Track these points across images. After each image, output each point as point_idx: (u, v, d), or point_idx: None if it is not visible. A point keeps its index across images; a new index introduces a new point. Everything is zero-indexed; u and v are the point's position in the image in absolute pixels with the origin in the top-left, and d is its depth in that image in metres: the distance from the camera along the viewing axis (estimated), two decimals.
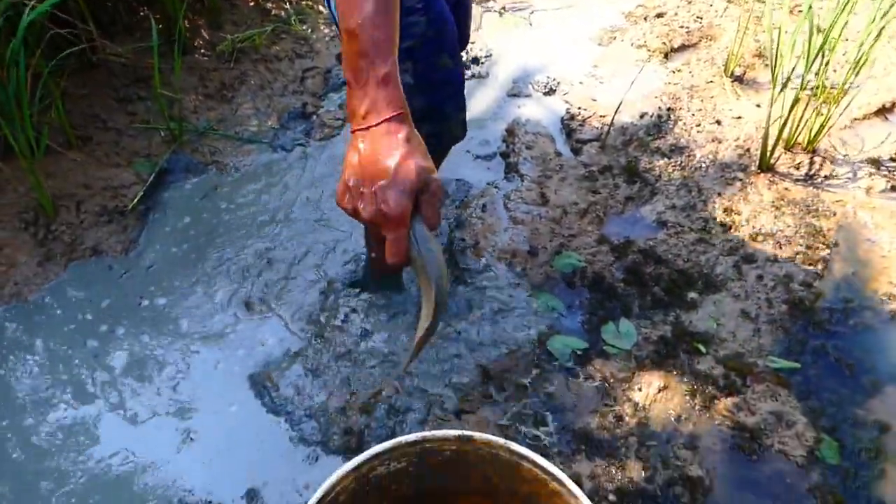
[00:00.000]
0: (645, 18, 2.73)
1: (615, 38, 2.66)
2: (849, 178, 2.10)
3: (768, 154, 2.07)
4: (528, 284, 1.79)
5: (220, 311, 1.70)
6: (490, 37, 2.69)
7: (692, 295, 1.77)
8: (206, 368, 1.59)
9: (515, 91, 2.42)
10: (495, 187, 2.04)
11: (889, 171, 2.10)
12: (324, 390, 1.55)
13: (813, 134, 2.11)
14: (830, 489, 1.42)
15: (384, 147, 0.83)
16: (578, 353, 1.65)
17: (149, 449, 1.45)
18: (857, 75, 2.03)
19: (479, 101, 2.37)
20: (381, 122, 0.83)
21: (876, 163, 2.13)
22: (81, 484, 1.39)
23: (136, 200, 1.88)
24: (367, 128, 0.84)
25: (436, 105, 1.23)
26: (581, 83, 2.43)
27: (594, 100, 2.35)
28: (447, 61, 1.23)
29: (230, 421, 1.50)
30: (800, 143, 2.15)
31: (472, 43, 2.63)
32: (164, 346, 1.63)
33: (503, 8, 2.86)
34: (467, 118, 1.36)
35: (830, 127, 2.10)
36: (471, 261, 1.83)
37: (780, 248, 1.91)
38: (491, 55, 2.58)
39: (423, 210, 0.86)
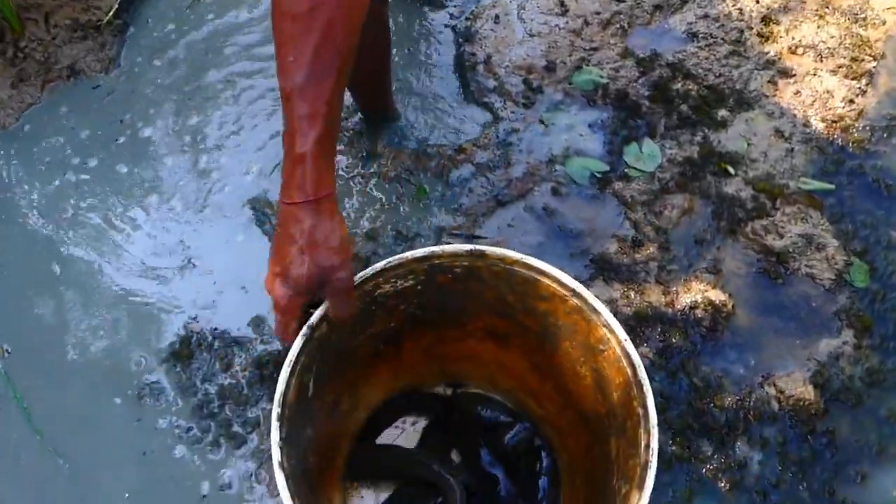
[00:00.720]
0: None
1: None
2: None
3: None
4: (545, 102, 1.64)
5: (214, 133, 1.58)
6: None
7: (722, 113, 1.63)
8: (200, 197, 1.50)
9: None
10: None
11: None
12: None
13: None
14: (857, 312, 1.37)
15: (285, 235, 0.77)
16: (598, 175, 1.54)
17: (149, 282, 1.40)
18: None
19: None
20: (290, 203, 0.76)
21: None
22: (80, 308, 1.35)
23: (111, 13, 1.69)
24: (282, 202, 0.77)
25: None
26: None
27: None
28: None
29: (232, 249, 1.43)
30: None
31: None
32: (153, 179, 1.53)
33: None
34: None
35: None
36: (482, 77, 1.67)
37: (822, 60, 1.73)
38: None
39: (329, 303, 0.83)
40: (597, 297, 1.35)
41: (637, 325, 1.35)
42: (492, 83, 1.66)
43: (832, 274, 1.41)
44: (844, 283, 1.41)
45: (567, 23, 1.77)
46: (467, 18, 1.79)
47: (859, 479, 1.21)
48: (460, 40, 1.74)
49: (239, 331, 1.34)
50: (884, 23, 1.81)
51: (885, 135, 1.63)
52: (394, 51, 1.65)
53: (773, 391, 1.29)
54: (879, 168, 1.57)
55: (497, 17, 1.77)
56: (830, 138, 1.61)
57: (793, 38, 1.77)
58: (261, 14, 1.77)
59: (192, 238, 1.45)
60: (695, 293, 1.38)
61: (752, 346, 1.34)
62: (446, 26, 1.77)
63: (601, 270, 1.42)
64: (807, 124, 1.63)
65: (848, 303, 1.38)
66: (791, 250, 1.43)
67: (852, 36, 1.78)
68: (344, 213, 1.47)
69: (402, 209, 1.47)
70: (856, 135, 1.62)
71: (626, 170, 1.55)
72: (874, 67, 1.72)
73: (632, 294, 1.39)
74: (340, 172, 1.51)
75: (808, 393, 1.28)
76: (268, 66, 1.67)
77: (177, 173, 1.53)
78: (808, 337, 1.36)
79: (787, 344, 1.35)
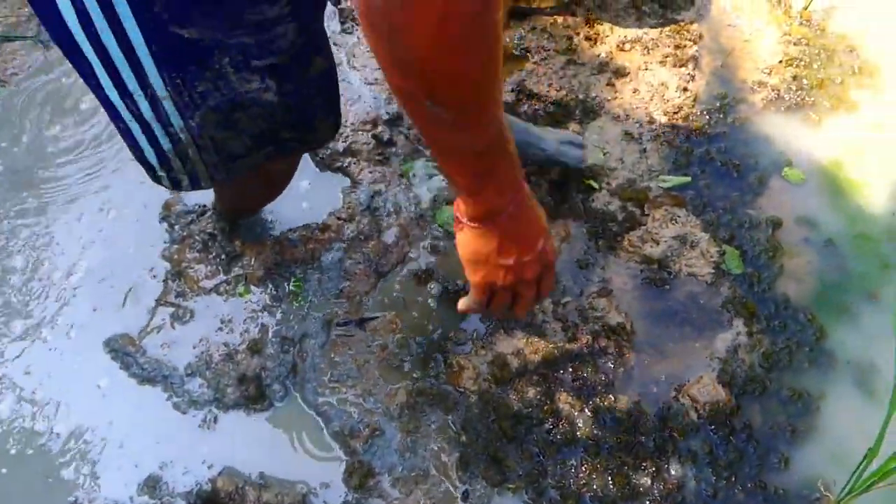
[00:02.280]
0: None
1: None
2: None
3: None
4: (401, 153, 1.58)
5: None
6: None
7: (574, 128, 1.64)
8: (58, 345, 1.31)
9: None
10: (335, 45, 1.73)
11: None
12: (199, 338, 1.32)
13: None
14: (741, 300, 1.43)
15: (528, 226, 0.85)
16: None
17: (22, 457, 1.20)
18: None
19: None
20: (512, 204, 0.80)
21: None
22: None
23: None
24: (500, 213, 0.80)
25: (308, 118, 0.95)
26: None
27: None
28: (320, 63, 0.91)
29: (101, 402, 1.26)
30: None
31: None
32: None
33: None
34: None
35: None
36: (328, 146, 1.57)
37: (649, 52, 1.78)
38: None
39: (541, 284, 0.91)
40: (503, 353, 1.33)
41: (548, 370, 1.33)
42: (340, 145, 1.57)
43: (710, 268, 1.46)
44: (723, 273, 1.47)
45: None
46: None
47: (783, 465, 1.27)
48: None
49: None
50: (692, 3, 1.89)
51: (720, 115, 1.70)
52: None
53: (688, 401, 1.32)
54: (724, 150, 1.65)
55: None
56: (675, 130, 1.67)
57: (617, 35, 1.81)
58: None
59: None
60: (593, 322, 1.38)
61: (658, 360, 1.37)
62: None
63: (500, 321, 1.38)
64: (651, 121, 1.67)
65: (730, 293, 1.44)
66: (669, 254, 1.47)
67: (669, 23, 1.84)
68: (217, 329, 1.34)
69: (280, 310, 1.36)
70: (696, 122, 1.68)
71: None
72: (696, 51, 1.79)
73: (535, 339, 1.37)
74: (202, 284, 1.37)
75: (720, 393, 1.32)
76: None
77: None
78: (704, 337, 1.40)
79: (689, 349, 1.38)
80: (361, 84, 1.66)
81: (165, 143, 0.88)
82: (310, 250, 1.42)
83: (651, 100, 1.70)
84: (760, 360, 1.37)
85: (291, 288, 1.37)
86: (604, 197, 1.54)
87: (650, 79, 1.73)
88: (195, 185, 0.96)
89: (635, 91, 1.71)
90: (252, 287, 1.37)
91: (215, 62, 0.79)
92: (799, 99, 1.73)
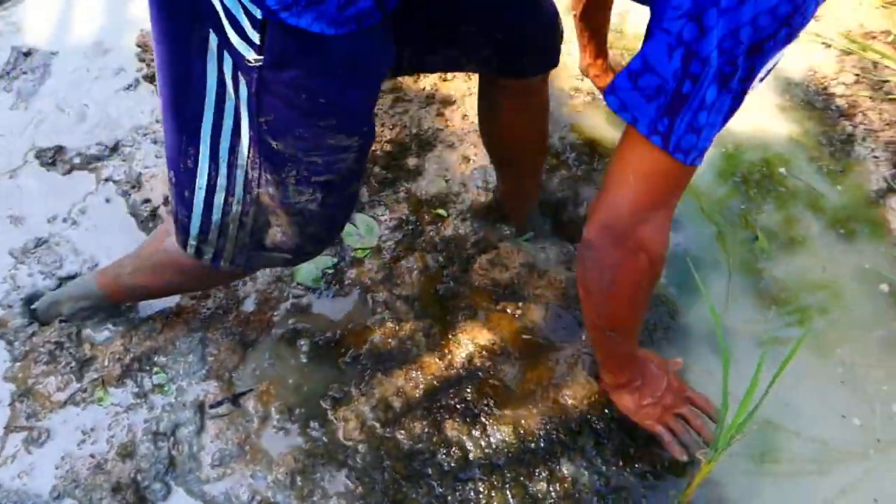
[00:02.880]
0: None
1: None
2: None
3: None
4: None
5: None
6: None
7: (412, 161, 1.68)
8: None
9: None
10: (158, 122, 1.69)
11: None
12: (61, 457, 1.24)
13: None
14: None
15: (651, 378, 1.24)
16: (330, 271, 1.51)
17: None
18: None
19: (84, 22, 1.90)
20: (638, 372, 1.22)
21: None
22: None
23: None
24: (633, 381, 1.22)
25: (332, 228, 1.10)
26: None
27: None
28: (356, 185, 1.06)
29: None
30: None
31: None
32: None
33: None
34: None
35: None
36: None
37: (471, 78, 1.86)
38: None
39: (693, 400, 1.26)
40: (384, 395, 1.34)
41: (431, 403, 1.35)
42: None
43: (560, 294, 1.52)
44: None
45: None
46: (123, 160, 1.63)
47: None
48: (127, 190, 1.57)
49: None
50: None
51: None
52: None
53: (566, 401, 1.37)
54: None
55: (157, 152, 1.63)
56: None
57: None
58: None
59: None
60: (465, 346, 1.42)
61: (532, 368, 1.42)
62: (107, 180, 1.59)
63: (376, 364, 1.39)
64: None
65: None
66: (516, 281, 1.51)
67: None
68: (80, 442, 1.26)
69: (146, 406, 1.30)
70: None
71: (352, 254, 1.54)
72: None
73: (413, 373, 1.38)
74: (54, 398, 1.29)
75: (593, 385, 1.39)
76: None
77: None
78: (570, 335, 1.47)
79: (558, 350, 1.45)
80: None
81: (216, 214, 0.99)
82: (168, 337, 1.37)
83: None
84: None
85: (154, 380, 1.32)
86: (453, 223, 1.59)
87: (472, 101, 1.80)
88: (215, 262, 1.06)
89: (465, 116, 1.78)
90: (111, 389, 1.30)
91: (286, 173, 0.93)
92: None
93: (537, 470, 1.29)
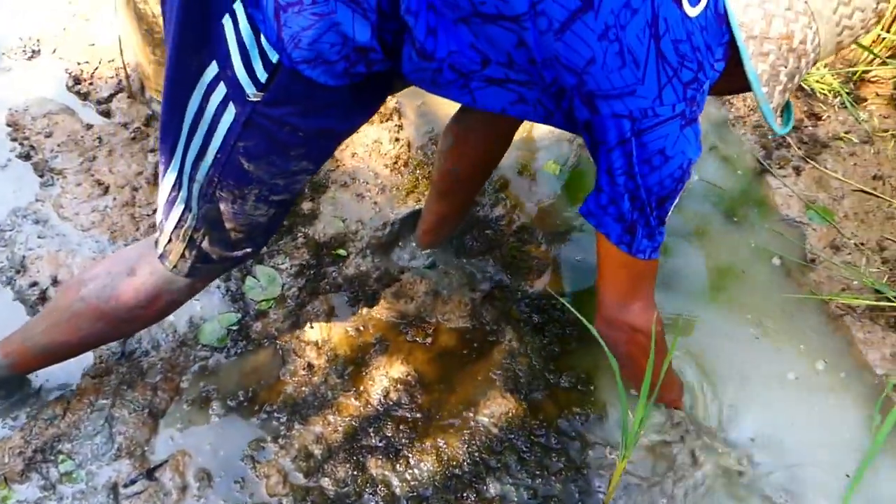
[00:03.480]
0: None
1: None
2: None
3: None
4: None
5: None
6: None
7: (306, 206, 1.69)
8: None
9: None
10: (38, 201, 1.64)
11: None
12: None
13: None
14: (504, 312, 1.55)
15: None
16: (235, 328, 1.49)
17: None
18: None
19: None
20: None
21: None
22: None
23: None
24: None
25: (263, 240, 1.20)
26: (66, 29, 2.00)
27: (92, 44, 1.96)
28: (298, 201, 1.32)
29: None
30: None
31: None
32: None
33: None
34: None
35: None
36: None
37: None
38: None
39: None
40: (304, 445, 1.33)
41: (352, 444, 1.35)
42: None
43: (466, 312, 1.55)
44: (483, 294, 1.58)
45: (115, 199, 1.65)
46: (4, 245, 1.57)
47: (582, 445, 1.39)
48: (12, 276, 1.51)
49: None
50: None
51: (434, 147, 1.84)
52: None
53: (485, 420, 1.40)
54: None
55: (39, 232, 1.58)
56: (401, 175, 1.78)
57: None
58: None
59: None
60: (380, 381, 1.43)
61: (449, 394, 1.44)
62: None
63: (293, 414, 1.38)
64: (377, 175, 1.77)
65: (493, 311, 1.55)
66: (423, 309, 1.54)
67: None
68: None
69: (56, 497, 1.25)
70: (415, 161, 1.80)
71: (256, 307, 1.53)
72: (397, 103, 1.92)
73: (330, 417, 1.38)
74: None
75: (510, 401, 1.42)
76: None
77: None
78: (482, 358, 1.50)
79: (472, 373, 1.47)
80: (79, 232, 1.59)
81: (177, 208, 1.09)
82: (71, 421, 1.32)
83: (370, 157, 1.80)
84: (535, 357, 1.49)
85: (61, 469, 1.27)
86: (354, 261, 1.60)
87: (363, 139, 1.83)
88: (162, 259, 1.14)
89: (354, 155, 1.80)
90: (14, 486, 1.25)
91: (248, 190, 1.03)
92: None
93: (465, 494, 1.31)
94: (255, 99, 0.93)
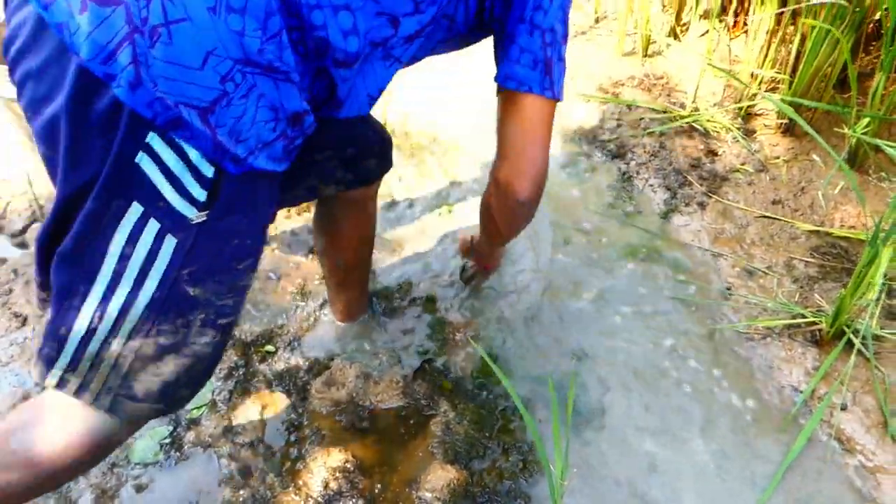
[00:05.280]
0: None
1: None
2: None
3: None
4: None
5: None
6: None
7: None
8: None
9: None
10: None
11: None
12: None
13: None
14: (437, 384, 1.56)
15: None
16: (167, 441, 1.47)
17: None
18: None
19: None
20: None
21: None
22: None
23: None
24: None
25: (206, 373, 1.08)
26: None
27: (2, 179, 1.98)
28: None
29: None
30: None
31: None
32: None
33: None
34: None
35: None
36: None
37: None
38: None
39: None
40: None
41: None
42: None
43: (399, 394, 1.56)
44: (414, 370, 1.60)
45: (34, 329, 1.64)
46: None
47: None
48: None
49: None
50: None
51: None
52: None
53: (428, 495, 1.39)
54: None
55: None
56: (318, 267, 1.81)
57: None
58: None
59: None
60: (318, 472, 1.41)
61: (391, 473, 1.43)
62: None
63: None
64: (298, 266, 1.80)
65: (425, 386, 1.56)
66: (355, 394, 1.54)
67: None
68: None
69: None
70: None
71: (187, 416, 1.51)
72: None
73: None
74: None
75: (450, 472, 1.42)
76: None
77: None
78: (420, 432, 1.50)
79: (411, 448, 1.47)
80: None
81: (89, 354, 0.94)
82: None
83: (290, 249, 1.83)
84: (470, 425, 1.50)
85: None
86: (283, 357, 1.61)
87: (282, 235, 1.87)
88: (79, 393, 0.97)
89: (273, 250, 1.83)
90: None
91: (194, 315, 0.95)
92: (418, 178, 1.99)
93: None
94: (199, 220, 0.89)
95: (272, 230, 1.88)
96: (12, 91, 1.55)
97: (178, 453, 1.45)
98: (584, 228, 1.94)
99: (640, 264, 1.84)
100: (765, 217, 1.95)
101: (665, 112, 2.27)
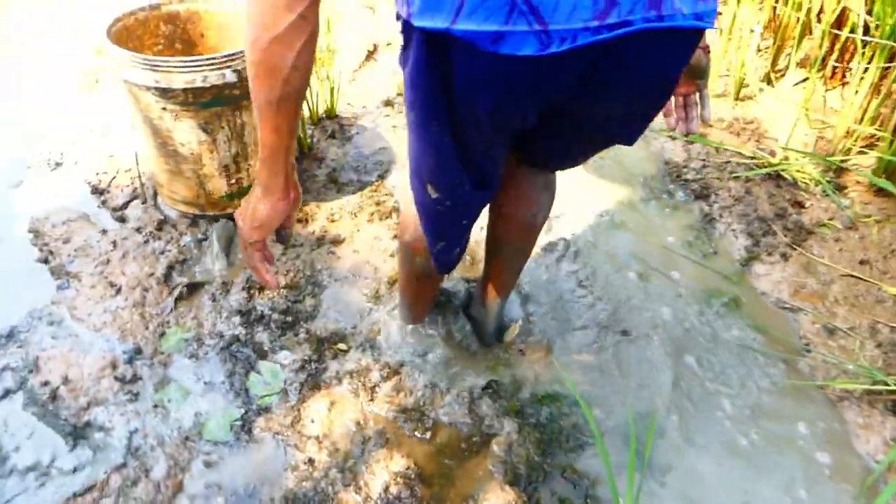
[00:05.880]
0: None
1: (98, 79, 2.39)
2: None
3: None
4: (149, 385, 1.57)
5: None
6: None
7: (310, 302, 1.75)
8: None
9: (15, 182, 2.04)
10: (53, 303, 1.72)
11: None
12: None
13: None
14: (503, 405, 1.58)
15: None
16: (237, 423, 1.52)
17: None
18: None
19: None
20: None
21: None
22: None
23: None
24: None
25: None
26: (87, 143, 2.15)
27: (111, 156, 2.10)
28: None
29: None
30: None
31: None
32: None
33: None
34: None
35: None
36: (70, 401, 1.52)
37: (356, 216, 1.98)
38: None
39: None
40: None
41: None
42: (83, 400, 1.53)
43: (465, 409, 1.58)
44: (481, 389, 1.61)
45: (126, 299, 1.73)
46: (19, 346, 1.63)
47: None
48: (25, 375, 1.57)
49: None
50: (380, 165, 2.15)
51: None
52: None
53: None
54: None
55: (52, 333, 1.65)
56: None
57: (325, 211, 1.99)
58: None
59: None
60: (380, 475, 1.44)
61: (448, 486, 1.45)
62: (2, 370, 1.58)
63: None
64: (376, 269, 1.84)
65: (492, 405, 1.58)
66: (422, 403, 1.57)
67: (365, 186, 2.07)
68: None
69: None
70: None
71: (258, 401, 1.56)
72: (395, 202, 2.02)
73: None
74: None
75: (509, 493, 1.42)
76: None
77: None
78: (481, 450, 1.51)
79: (471, 465, 1.49)
80: (91, 332, 1.65)
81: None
82: None
83: (370, 252, 1.88)
84: (534, 449, 1.51)
85: None
86: (354, 356, 1.65)
87: (364, 236, 1.92)
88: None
89: (355, 251, 1.88)
90: None
91: None
92: None
93: None
94: None
95: (351, 230, 1.93)
96: (135, 75, 1.64)
97: (247, 436, 1.50)
98: (660, 267, 1.93)
99: (717, 309, 1.82)
100: (850, 276, 1.90)
101: (753, 157, 2.24)
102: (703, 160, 2.25)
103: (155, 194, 1.96)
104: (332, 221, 1.96)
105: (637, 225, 2.03)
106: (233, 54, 1.64)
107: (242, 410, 1.54)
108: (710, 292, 1.87)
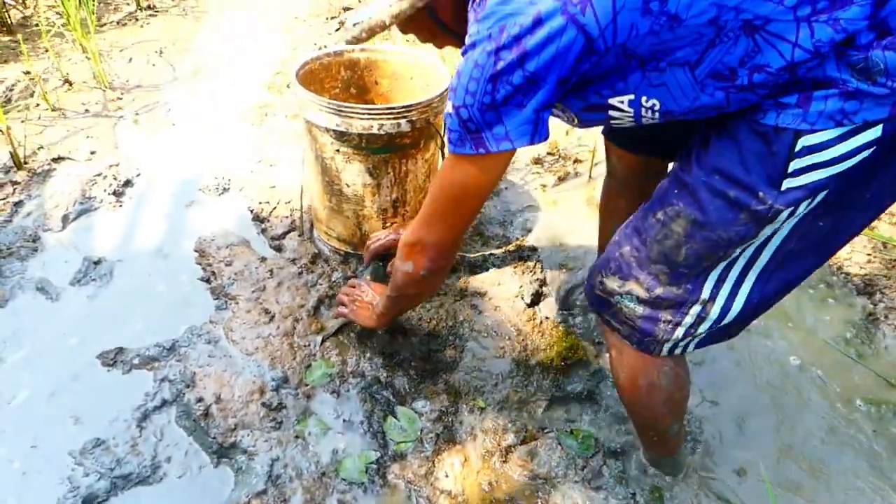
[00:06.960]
0: (287, 86, 2.66)
1: (266, 113, 2.55)
2: None
3: None
4: (293, 415, 1.62)
5: None
6: (132, 150, 2.40)
7: (450, 353, 1.76)
8: None
9: (187, 202, 2.19)
10: (211, 322, 1.82)
11: None
12: None
13: None
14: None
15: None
16: (374, 465, 1.54)
17: None
18: None
19: (148, 231, 2.10)
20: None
21: None
22: None
23: None
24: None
25: None
26: (252, 172, 2.28)
27: (273, 187, 2.22)
28: None
29: None
30: None
31: (116, 165, 2.32)
32: None
33: (136, 113, 2.57)
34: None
35: None
36: (220, 420, 1.59)
37: (500, 269, 1.99)
38: (140, 173, 2.29)
39: None
40: None
41: None
42: (231, 421, 1.59)
43: (603, 485, 1.53)
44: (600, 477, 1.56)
45: (278, 327, 1.80)
46: (178, 360, 1.73)
47: None
48: (181, 389, 1.65)
49: None
50: (524, 224, 2.15)
51: (567, 313, 1.89)
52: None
53: None
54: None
55: (210, 351, 1.74)
56: (539, 339, 1.83)
57: (469, 262, 2.01)
58: None
59: None
60: None
61: None
62: (162, 380, 1.68)
63: None
64: (519, 331, 1.83)
65: (632, 484, 1.53)
66: (555, 474, 1.53)
67: (510, 241, 2.08)
68: None
69: None
70: (551, 328, 1.86)
71: (394, 447, 1.58)
72: (537, 259, 2.01)
73: None
74: None
75: None
76: None
77: None
78: None
79: None
80: (243, 356, 1.73)
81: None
82: None
83: (511, 311, 1.87)
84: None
85: None
86: (491, 414, 1.64)
87: (505, 293, 1.92)
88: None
89: (497, 308, 1.89)
90: None
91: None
92: None
93: None
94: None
95: (493, 284, 1.94)
96: (317, 116, 1.73)
97: (381, 480, 1.52)
98: (810, 359, 1.81)
99: (867, 409, 1.69)
100: None
101: None
102: (869, 254, 2.12)
103: (311, 228, 2.05)
104: (475, 274, 1.97)
105: (791, 313, 1.93)
106: (408, 106, 1.71)
107: (378, 454, 1.56)
108: (865, 397, 1.73)
